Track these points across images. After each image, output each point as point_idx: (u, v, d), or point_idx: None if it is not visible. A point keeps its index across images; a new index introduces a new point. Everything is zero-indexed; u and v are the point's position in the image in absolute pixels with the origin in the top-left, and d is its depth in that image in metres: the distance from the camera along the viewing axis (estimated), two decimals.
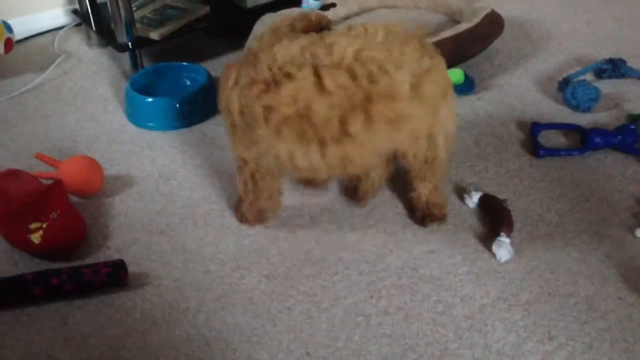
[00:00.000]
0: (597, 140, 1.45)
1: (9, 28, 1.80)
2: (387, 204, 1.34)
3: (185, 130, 1.60)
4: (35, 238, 1.19)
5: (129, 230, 1.30)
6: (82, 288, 1.14)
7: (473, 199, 1.32)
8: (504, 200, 1.30)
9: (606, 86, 1.70)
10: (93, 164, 1.38)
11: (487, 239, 1.25)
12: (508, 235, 1.22)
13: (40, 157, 1.48)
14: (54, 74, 1.86)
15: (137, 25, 1.79)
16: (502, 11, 1.87)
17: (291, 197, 1.36)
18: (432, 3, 1.94)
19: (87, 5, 1.91)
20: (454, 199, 1.35)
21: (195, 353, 1.05)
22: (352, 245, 1.25)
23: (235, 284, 1.17)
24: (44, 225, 1.20)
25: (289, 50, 1.08)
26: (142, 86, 1.68)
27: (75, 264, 1.19)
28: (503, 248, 1.19)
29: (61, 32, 2.08)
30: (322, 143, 1.06)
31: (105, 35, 1.87)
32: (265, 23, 1.75)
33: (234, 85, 1.12)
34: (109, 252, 1.24)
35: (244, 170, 1.22)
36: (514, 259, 1.20)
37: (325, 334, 1.08)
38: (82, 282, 1.13)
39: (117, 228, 1.30)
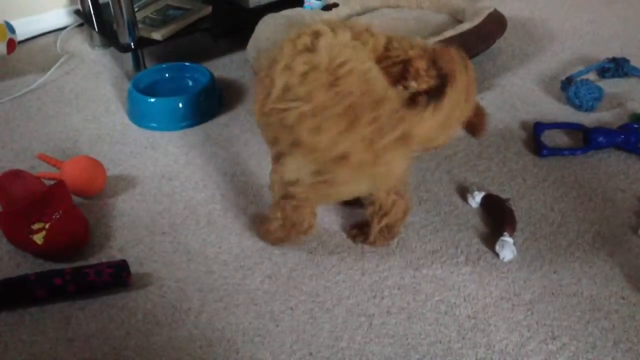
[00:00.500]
0: (600, 139, 1.45)
1: (11, 29, 1.80)
2: None
3: (188, 131, 1.60)
4: (38, 238, 1.19)
5: (132, 231, 1.30)
6: (85, 288, 1.14)
7: (476, 199, 1.32)
8: (507, 200, 1.30)
9: (609, 85, 1.69)
10: (95, 165, 1.38)
11: (490, 238, 1.24)
12: (511, 235, 1.22)
13: (42, 157, 1.48)
14: (56, 75, 1.87)
15: (140, 25, 1.79)
16: (504, 11, 1.87)
17: None
18: (435, 3, 1.94)
19: (89, 6, 1.92)
20: (456, 198, 1.35)
21: (198, 353, 1.05)
22: (355, 245, 1.25)
23: (238, 284, 1.17)
24: (47, 226, 1.20)
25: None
26: (144, 86, 1.69)
27: (77, 264, 1.19)
28: (506, 248, 1.19)
29: (63, 32, 2.09)
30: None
31: (107, 36, 1.87)
32: (267, 23, 1.75)
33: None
34: (112, 253, 1.25)
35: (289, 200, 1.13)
36: (517, 258, 1.20)
37: (328, 334, 1.08)
38: (85, 282, 1.13)
39: (120, 228, 1.30)
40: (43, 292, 1.12)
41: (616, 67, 1.73)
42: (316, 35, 1.07)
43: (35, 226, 1.19)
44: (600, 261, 1.20)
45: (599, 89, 1.60)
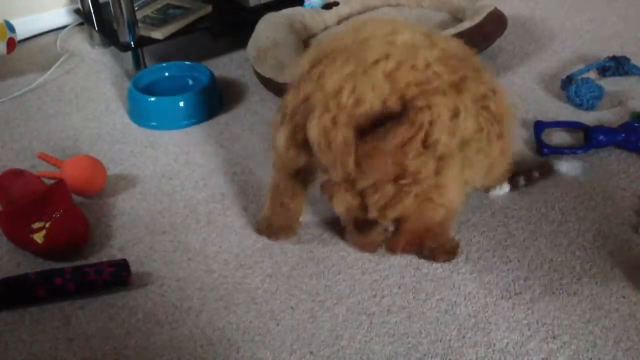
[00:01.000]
0: (601, 138, 1.45)
1: (11, 28, 1.80)
2: None
3: (188, 130, 1.60)
4: (38, 238, 1.19)
5: (132, 230, 1.30)
6: (85, 288, 1.14)
7: (504, 189, 1.34)
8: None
9: (610, 84, 1.69)
10: (96, 164, 1.38)
11: (491, 237, 1.24)
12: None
13: (43, 156, 1.48)
14: (56, 74, 1.87)
15: (140, 24, 1.79)
16: (505, 9, 1.87)
17: None
18: (435, 1, 1.94)
19: (89, 5, 1.91)
20: None
21: (199, 352, 1.05)
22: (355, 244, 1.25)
23: (239, 283, 1.17)
24: (47, 225, 1.20)
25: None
26: (144, 85, 1.69)
27: (78, 263, 1.19)
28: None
29: (63, 31, 2.09)
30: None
31: (107, 35, 1.87)
32: (267, 22, 1.75)
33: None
34: (112, 252, 1.25)
35: None
36: (517, 257, 1.20)
37: (329, 333, 1.08)
38: (85, 281, 1.13)
39: (120, 227, 1.30)
40: (43, 292, 1.12)
41: (617, 66, 1.73)
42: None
43: (36, 225, 1.19)
44: (601, 260, 1.19)
45: (600, 88, 1.60)
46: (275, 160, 1.16)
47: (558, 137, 1.52)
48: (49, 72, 1.86)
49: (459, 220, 1.29)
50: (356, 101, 0.97)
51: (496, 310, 1.10)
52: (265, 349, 1.05)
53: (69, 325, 1.10)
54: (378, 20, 1.06)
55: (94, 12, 1.92)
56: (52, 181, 1.32)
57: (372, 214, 1.03)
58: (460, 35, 1.67)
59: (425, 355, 1.04)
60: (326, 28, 1.88)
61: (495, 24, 1.78)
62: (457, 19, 1.87)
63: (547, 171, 1.37)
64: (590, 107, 1.60)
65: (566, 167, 1.39)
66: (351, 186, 1.01)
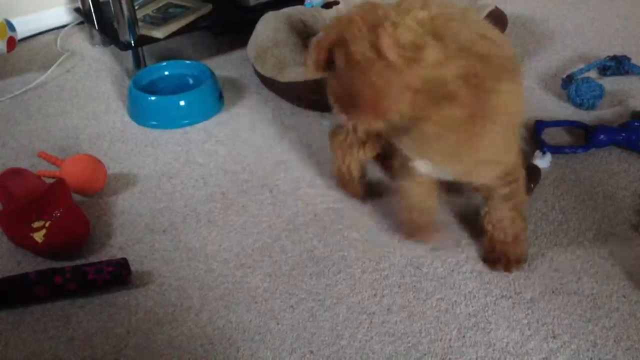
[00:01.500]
0: (601, 137, 1.45)
1: (11, 27, 1.80)
2: (389, 202, 1.34)
3: (188, 129, 1.60)
4: (38, 237, 1.19)
5: (132, 229, 1.30)
6: (86, 287, 1.14)
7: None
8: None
9: (610, 83, 1.69)
10: (96, 163, 1.38)
11: None
12: None
13: (43, 155, 1.48)
14: (56, 73, 1.86)
15: (140, 23, 1.79)
16: (505, 8, 1.87)
17: (294, 197, 1.36)
18: None
19: (89, 4, 1.91)
20: (457, 197, 1.35)
21: (199, 351, 1.05)
22: (356, 243, 1.24)
23: (239, 282, 1.17)
24: (47, 224, 1.20)
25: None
26: (145, 84, 1.69)
27: (78, 262, 1.19)
28: None
29: (64, 30, 2.08)
30: None
31: (108, 34, 1.87)
32: (267, 21, 1.75)
33: None
34: (112, 251, 1.24)
35: None
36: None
37: (329, 333, 1.08)
38: (85, 281, 1.13)
39: (120, 227, 1.30)
40: (43, 291, 1.12)
41: (617, 65, 1.72)
42: None
43: (36, 224, 1.19)
44: (601, 259, 1.19)
45: (600, 87, 1.60)
46: None
47: (558, 137, 1.52)
48: (49, 71, 1.86)
49: (459, 219, 1.29)
50: None
51: (496, 310, 1.10)
52: (265, 348, 1.05)
53: (69, 324, 1.10)
54: None
55: (94, 11, 1.92)
56: (52, 180, 1.32)
57: None
58: None
59: (425, 354, 1.04)
60: None
61: (495, 23, 1.75)
62: None
63: (538, 177, 1.37)
64: (591, 107, 1.60)
65: (540, 162, 1.39)
66: None
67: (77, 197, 1.35)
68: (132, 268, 1.19)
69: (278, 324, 1.09)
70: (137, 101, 1.63)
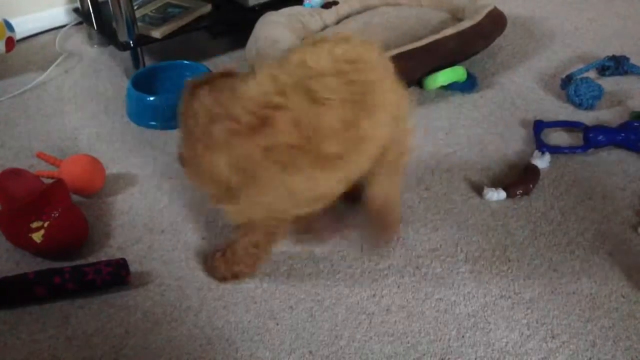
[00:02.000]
0: (600, 137, 1.45)
1: (10, 27, 1.80)
2: None
3: None
4: (37, 237, 1.19)
5: (131, 229, 1.29)
6: (84, 287, 1.14)
7: (499, 195, 1.33)
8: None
9: (609, 83, 1.69)
10: (94, 163, 1.37)
11: (490, 237, 1.24)
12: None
13: (41, 156, 1.48)
14: (55, 73, 1.86)
15: (139, 23, 1.79)
16: (504, 9, 1.87)
17: None
18: (435, 1, 1.94)
19: (88, 4, 1.91)
20: (456, 197, 1.35)
21: (198, 352, 1.05)
22: (354, 243, 1.24)
23: (237, 282, 1.17)
24: (46, 224, 1.19)
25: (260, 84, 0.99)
26: (143, 85, 1.68)
27: (77, 263, 1.19)
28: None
29: (62, 31, 2.08)
30: (339, 156, 0.99)
31: (106, 34, 1.87)
32: (266, 22, 1.75)
33: (212, 144, 1.00)
34: (111, 251, 1.24)
35: (254, 232, 1.10)
36: (517, 257, 1.20)
37: (328, 333, 1.07)
38: (84, 281, 1.13)
39: (119, 227, 1.30)
40: (42, 291, 1.12)
41: (616, 65, 1.73)
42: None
43: (34, 225, 1.19)
44: (600, 259, 1.19)
45: (599, 87, 1.60)
46: None
47: (557, 137, 1.52)
48: (47, 72, 1.86)
49: (458, 219, 1.29)
50: None
51: (495, 310, 1.10)
52: (264, 349, 1.05)
53: (68, 324, 1.10)
54: None
55: (93, 11, 1.92)
56: (50, 180, 1.32)
57: None
58: (459, 34, 1.68)
59: (424, 354, 1.03)
60: (325, 27, 1.88)
61: (494, 23, 1.78)
62: (456, 18, 1.86)
63: (537, 177, 1.36)
64: (590, 107, 1.60)
65: (539, 162, 1.39)
66: None
67: (75, 198, 1.35)
68: (131, 268, 1.18)
69: (277, 324, 1.09)
70: (135, 101, 1.63)
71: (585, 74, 1.71)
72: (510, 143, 1.50)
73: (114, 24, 1.75)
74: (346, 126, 0.98)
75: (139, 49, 1.76)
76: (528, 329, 1.07)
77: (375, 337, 1.07)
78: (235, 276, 1.16)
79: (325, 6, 1.92)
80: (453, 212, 1.31)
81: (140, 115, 1.63)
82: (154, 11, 1.89)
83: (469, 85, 1.69)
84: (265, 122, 0.96)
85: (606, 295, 1.12)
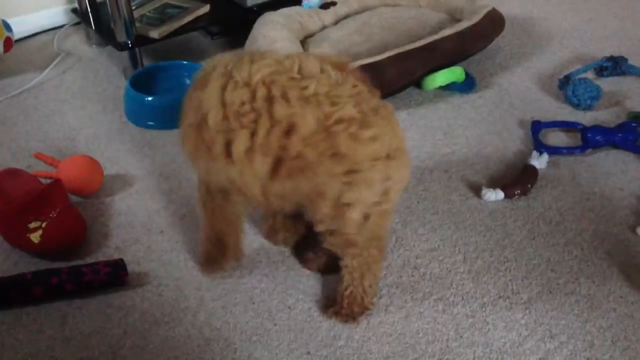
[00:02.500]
0: (598, 138, 1.45)
1: (8, 27, 1.79)
2: None
3: None
4: (35, 237, 1.19)
5: (129, 230, 1.29)
6: (82, 287, 1.13)
7: (497, 195, 1.33)
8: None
9: (607, 84, 1.69)
10: (93, 163, 1.37)
11: (489, 237, 1.24)
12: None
13: (39, 156, 1.48)
14: (53, 73, 1.86)
15: (137, 23, 1.79)
16: (502, 9, 1.87)
17: None
18: (433, 1, 1.94)
19: (86, 4, 1.91)
20: (454, 197, 1.35)
21: (196, 352, 1.05)
22: None
23: (236, 283, 1.17)
24: (44, 225, 1.19)
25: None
26: (142, 85, 1.68)
27: (75, 263, 1.19)
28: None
29: (61, 31, 2.08)
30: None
31: (104, 34, 1.87)
32: (265, 22, 1.75)
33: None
34: (109, 252, 1.24)
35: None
36: (515, 257, 1.20)
37: (326, 333, 1.07)
38: (82, 281, 1.13)
39: (117, 227, 1.30)
40: (40, 291, 1.12)
41: (614, 66, 1.73)
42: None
43: (32, 225, 1.19)
44: (598, 259, 1.19)
45: (597, 88, 1.60)
46: None
47: (555, 137, 1.52)
48: (46, 72, 1.86)
49: (457, 220, 1.29)
50: None
51: (493, 310, 1.10)
52: (262, 349, 1.05)
53: (65, 325, 1.10)
54: None
55: (91, 12, 1.92)
56: (48, 181, 1.32)
57: None
58: (457, 35, 1.68)
59: (422, 354, 1.03)
60: (324, 28, 1.88)
61: (492, 23, 1.78)
62: (454, 19, 1.87)
63: (535, 178, 1.37)
64: (588, 107, 1.60)
65: (537, 163, 1.39)
66: None
67: (73, 198, 1.35)
68: (129, 269, 1.18)
69: (275, 324, 1.09)
70: (134, 102, 1.63)
71: (583, 75, 1.71)
72: (509, 143, 1.51)
73: (112, 24, 1.75)
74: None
75: (137, 49, 1.76)
76: (526, 329, 1.07)
77: (374, 337, 1.07)
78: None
79: (323, 7, 1.92)
80: (451, 213, 1.31)
81: (139, 116, 1.63)
82: (152, 11, 1.89)
83: (467, 85, 1.69)
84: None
85: (604, 296, 1.12)
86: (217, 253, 1.15)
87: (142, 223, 1.31)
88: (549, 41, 1.95)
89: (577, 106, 1.61)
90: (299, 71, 0.94)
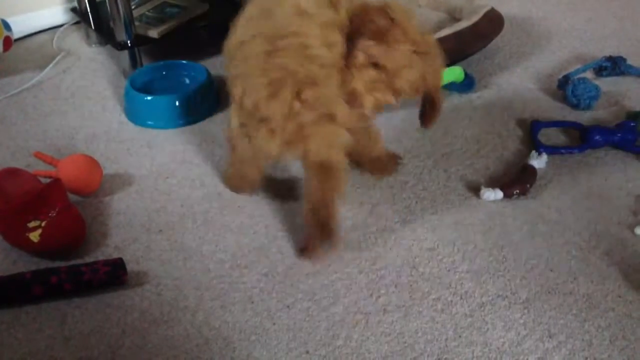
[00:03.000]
0: (597, 138, 1.45)
1: (7, 26, 1.79)
2: (386, 201, 1.34)
3: (184, 129, 1.60)
4: (34, 237, 1.19)
5: (128, 229, 1.29)
6: (81, 287, 1.13)
7: (496, 195, 1.33)
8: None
9: (606, 84, 1.69)
10: (92, 163, 1.37)
11: (487, 236, 1.25)
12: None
13: (39, 155, 1.48)
14: (52, 73, 1.86)
15: (136, 23, 1.79)
16: (502, 9, 1.87)
17: (290, 196, 1.36)
18: (432, 1, 1.94)
19: (86, 4, 1.91)
20: (453, 196, 1.35)
21: (195, 352, 1.05)
22: (352, 243, 1.24)
23: (235, 282, 1.17)
24: (43, 224, 1.19)
25: None
26: (141, 84, 1.68)
27: (74, 262, 1.19)
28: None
29: (60, 30, 2.08)
30: None
31: (104, 34, 1.87)
32: None
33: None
34: (108, 251, 1.24)
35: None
36: (514, 257, 1.20)
37: (325, 333, 1.07)
38: (81, 280, 1.13)
39: (116, 227, 1.30)
40: (39, 291, 1.12)
41: (613, 66, 1.73)
42: None
43: (31, 224, 1.19)
44: (597, 259, 1.20)
45: (596, 88, 1.60)
46: None
47: (554, 137, 1.52)
48: (45, 71, 1.86)
49: (456, 219, 1.29)
50: None
51: (492, 310, 1.11)
52: (261, 348, 1.05)
53: (64, 324, 1.10)
54: None
55: (91, 11, 1.92)
56: (48, 180, 1.32)
57: None
58: (456, 34, 1.68)
59: (421, 354, 1.04)
60: None
61: (492, 23, 1.78)
62: (454, 18, 1.87)
63: (534, 178, 1.36)
64: (587, 107, 1.60)
65: (536, 163, 1.39)
66: None
67: (73, 197, 1.35)
68: (128, 268, 1.18)
69: (274, 323, 1.09)
70: (133, 101, 1.63)
71: (583, 75, 1.71)
72: (508, 143, 1.51)
73: (111, 24, 1.75)
74: None
75: (136, 49, 1.76)
76: (525, 329, 1.07)
77: (372, 337, 1.07)
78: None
79: None
80: (450, 212, 1.31)
81: (138, 115, 1.63)
82: (151, 11, 1.89)
83: (466, 85, 1.69)
84: None
85: (603, 295, 1.12)
86: (239, 180, 1.36)
87: (141, 222, 1.31)
88: (548, 41, 1.95)
89: (576, 106, 1.61)
90: None
